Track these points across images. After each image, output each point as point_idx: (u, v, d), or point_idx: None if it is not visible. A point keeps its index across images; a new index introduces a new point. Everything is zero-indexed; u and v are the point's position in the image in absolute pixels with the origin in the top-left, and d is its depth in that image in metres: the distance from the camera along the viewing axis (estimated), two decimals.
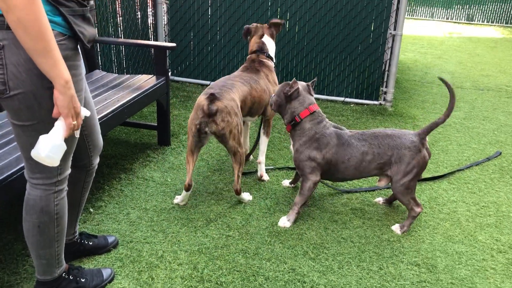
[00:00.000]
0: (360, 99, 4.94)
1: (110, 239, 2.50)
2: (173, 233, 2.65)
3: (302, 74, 4.99)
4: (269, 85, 3.21)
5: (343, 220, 2.84)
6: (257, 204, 2.98)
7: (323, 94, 5.00)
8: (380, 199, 3.05)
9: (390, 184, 2.74)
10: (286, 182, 3.23)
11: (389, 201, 3.01)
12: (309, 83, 2.87)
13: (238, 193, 2.91)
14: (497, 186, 3.36)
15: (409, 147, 2.62)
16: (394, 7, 4.53)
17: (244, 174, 3.35)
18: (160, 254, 2.47)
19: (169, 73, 5.18)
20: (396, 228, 2.75)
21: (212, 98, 2.73)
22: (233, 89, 2.93)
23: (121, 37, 4.49)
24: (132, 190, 3.08)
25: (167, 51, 5.03)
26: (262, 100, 3.13)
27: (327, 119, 2.79)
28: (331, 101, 4.99)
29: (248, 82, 3.06)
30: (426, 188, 3.28)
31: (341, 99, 4.97)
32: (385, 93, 4.83)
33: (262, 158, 3.29)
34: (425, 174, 3.47)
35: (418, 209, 2.70)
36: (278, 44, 4.94)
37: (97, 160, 2.22)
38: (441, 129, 4.41)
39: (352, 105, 4.92)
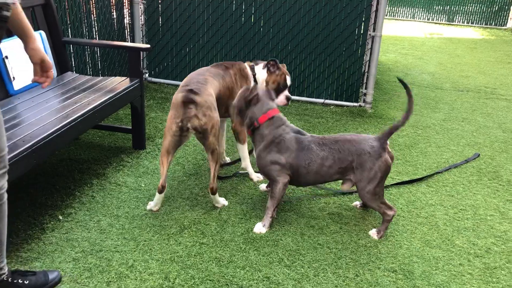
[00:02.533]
0: (339, 100, 4.90)
1: (52, 275, 2.19)
2: (144, 241, 2.57)
3: None
4: (234, 85, 3.11)
5: (319, 225, 2.79)
6: (233, 210, 2.91)
7: (303, 96, 4.96)
8: (357, 203, 3.01)
9: (354, 188, 2.71)
10: (263, 186, 3.17)
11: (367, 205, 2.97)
12: (268, 89, 2.84)
13: (213, 192, 2.84)
14: (474, 189, 3.35)
15: (369, 152, 2.57)
16: (374, 8, 4.50)
17: (220, 178, 3.28)
18: (131, 264, 2.38)
19: (146, 74, 5.09)
20: (373, 233, 2.71)
21: (191, 93, 2.70)
22: (207, 84, 2.85)
23: (95, 38, 4.38)
24: (104, 196, 2.99)
25: (142, 52, 4.95)
26: (225, 95, 3.04)
27: (288, 123, 2.74)
28: (311, 103, 4.95)
29: (216, 76, 3.00)
30: (405, 191, 3.25)
31: (321, 101, 4.93)
32: (365, 94, 4.80)
33: (244, 163, 3.25)
34: (403, 177, 3.45)
35: (391, 212, 2.66)
36: (255, 47, 4.88)
37: (3, 181, 1.89)
38: (420, 130, 4.40)
39: (332, 107, 4.88)
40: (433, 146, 4.07)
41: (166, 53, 5.11)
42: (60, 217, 2.74)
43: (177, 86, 5.13)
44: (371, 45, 4.60)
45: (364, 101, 4.82)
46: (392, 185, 3.31)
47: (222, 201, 2.96)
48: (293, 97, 4.95)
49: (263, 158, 2.70)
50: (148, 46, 3.42)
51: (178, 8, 4.90)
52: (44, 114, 2.78)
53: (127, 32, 4.95)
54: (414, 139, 4.18)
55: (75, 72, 4.05)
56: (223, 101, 3.04)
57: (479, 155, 3.90)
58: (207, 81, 2.88)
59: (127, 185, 3.13)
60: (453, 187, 3.36)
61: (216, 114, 2.77)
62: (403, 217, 2.94)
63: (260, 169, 2.75)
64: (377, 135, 2.66)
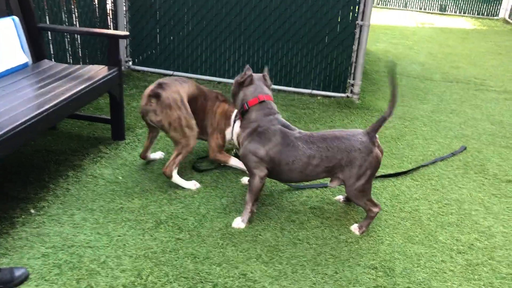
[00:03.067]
0: (327, 91, 4.82)
1: (18, 272, 2.10)
2: (118, 236, 2.49)
3: (268, 65, 4.83)
4: (212, 114, 3.18)
5: (300, 220, 2.72)
6: (212, 204, 2.83)
7: (290, 86, 4.86)
8: (340, 197, 2.94)
9: (343, 185, 2.63)
10: (245, 179, 3.09)
11: (350, 199, 2.90)
12: (264, 73, 2.75)
13: (167, 176, 2.91)
14: (460, 183, 3.29)
15: (359, 148, 2.48)
16: None
17: (200, 171, 3.19)
18: (103, 260, 2.30)
19: (130, 62, 4.97)
20: (354, 228, 2.64)
21: (159, 86, 2.86)
22: (183, 84, 2.92)
23: (75, 25, 4.25)
24: (79, 189, 2.90)
25: (126, 40, 4.83)
26: (200, 113, 3.10)
27: (278, 116, 2.64)
28: (298, 93, 4.86)
29: (202, 91, 3.15)
30: (389, 185, 3.19)
31: (308, 91, 4.84)
32: (352, 85, 4.71)
33: (232, 162, 3.20)
34: (388, 170, 3.38)
35: (375, 209, 2.59)
36: (242, 35, 4.76)
37: None
38: (408, 122, 4.33)
39: (319, 98, 4.79)
40: (420, 138, 4.01)
41: (150, 40, 4.98)
42: (32, 211, 2.64)
43: (161, 74, 5.02)
44: (359, 35, 4.50)
45: (351, 91, 4.74)
46: (376, 177, 3.24)
47: (187, 184, 2.95)
48: (280, 88, 4.87)
49: (244, 146, 2.61)
50: (127, 33, 3.31)
51: None
52: (15, 104, 2.67)
53: (110, 18, 4.81)
54: (401, 131, 4.12)
55: (54, 60, 3.93)
56: (199, 116, 3.10)
57: (465, 148, 3.84)
58: (185, 82, 3.01)
59: (103, 177, 3.04)
60: (438, 180, 3.30)
61: (177, 112, 2.83)
62: (386, 211, 2.87)
63: (241, 157, 2.68)
64: (365, 129, 2.57)
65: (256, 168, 2.57)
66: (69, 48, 4.18)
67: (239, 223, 2.62)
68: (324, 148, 2.50)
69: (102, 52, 4.70)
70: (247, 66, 2.69)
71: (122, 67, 4.98)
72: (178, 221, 2.64)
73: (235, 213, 2.74)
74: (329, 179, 2.64)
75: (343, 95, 4.77)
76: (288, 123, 2.66)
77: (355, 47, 4.60)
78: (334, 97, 4.78)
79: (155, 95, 2.81)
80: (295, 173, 2.55)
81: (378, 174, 3.27)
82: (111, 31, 3.32)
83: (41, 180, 2.94)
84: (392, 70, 2.50)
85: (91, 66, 3.38)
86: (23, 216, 2.59)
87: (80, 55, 4.35)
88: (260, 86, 2.66)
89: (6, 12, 3.16)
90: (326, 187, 3.07)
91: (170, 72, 5.01)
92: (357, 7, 4.45)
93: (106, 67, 3.33)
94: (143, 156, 3.22)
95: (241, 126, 2.68)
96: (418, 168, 3.44)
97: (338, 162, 2.50)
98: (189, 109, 2.91)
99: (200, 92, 3.12)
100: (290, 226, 2.66)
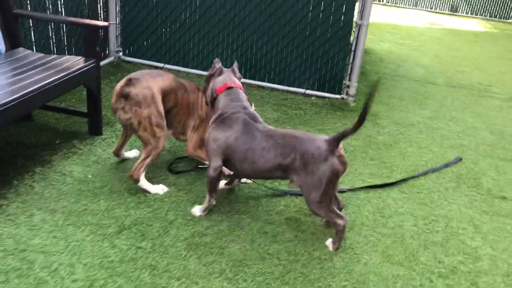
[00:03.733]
0: (321, 92, 4.62)
1: None
2: (76, 241, 2.33)
3: (261, 62, 4.65)
4: (198, 106, 2.98)
5: (274, 232, 2.55)
6: (183, 210, 2.67)
7: (283, 85, 4.68)
8: None
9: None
10: (221, 183, 2.92)
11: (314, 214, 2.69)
12: (233, 66, 2.77)
13: (134, 180, 2.75)
14: (451, 197, 3.10)
15: (313, 154, 2.29)
16: None
17: (177, 172, 3.03)
18: (55, 267, 2.15)
19: (120, 53, 4.80)
20: (329, 243, 2.47)
21: (128, 83, 2.68)
22: (157, 78, 2.73)
23: (61, 14, 4.07)
24: (45, 186, 2.74)
25: (114, 29, 4.66)
26: (184, 108, 2.91)
27: (246, 104, 2.58)
28: (292, 92, 4.67)
29: (181, 83, 2.93)
30: (374, 196, 3.01)
31: (302, 91, 4.65)
32: (348, 87, 4.52)
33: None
34: (376, 180, 3.19)
35: (340, 221, 2.39)
36: (236, 29, 4.58)
37: None
38: (403, 129, 4.13)
39: (313, 98, 4.60)
40: (414, 146, 3.81)
41: (141, 31, 4.81)
42: None
43: (152, 66, 4.85)
44: (357, 34, 4.30)
45: (347, 93, 4.54)
46: (361, 188, 3.06)
47: (154, 189, 2.79)
48: (273, 86, 4.69)
49: (209, 133, 2.54)
50: (106, 23, 3.15)
51: None
52: None
53: (100, 7, 4.63)
54: (395, 138, 3.92)
55: (37, 50, 3.77)
56: (180, 113, 2.91)
57: (461, 159, 3.64)
58: (160, 75, 2.84)
59: (72, 175, 2.89)
60: (427, 194, 3.11)
61: (148, 110, 2.66)
62: (367, 226, 2.69)
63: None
64: (328, 136, 2.38)
65: (212, 156, 2.50)
66: (53, 37, 4.01)
67: (196, 210, 2.59)
68: (280, 145, 2.36)
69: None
70: (216, 59, 2.71)
71: (113, 57, 4.87)
72: (142, 227, 2.48)
73: (205, 221, 2.58)
74: None
75: (338, 96, 4.57)
76: (257, 115, 2.54)
77: (352, 47, 4.39)
78: (328, 98, 4.58)
79: (124, 95, 2.64)
80: (247, 163, 2.42)
81: (363, 184, 3.10)
82: (87, 21, 3.14)
83: (5, 175, 2.80)
84: (372, 89, 2.30)
85: (68, 57, 3.21)
86: None
87: (65, 44, 4.19)
88: (229, 76, 2.68)
89: None
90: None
91: (161, 65, 4.84)
92: (355, 5, 4.24)
93: (83, 59, 3.16)
94: (116, 153, 3.06)
95: (210, 114, 2.66)
96: (407, 179, 3.25)
97: (291, 162, 2.34)
98: (160, 107, 2.72)
99: (178, 85, 2.90)
100: (261, 238, 2.49)
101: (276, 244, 2.46)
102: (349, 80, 4.49)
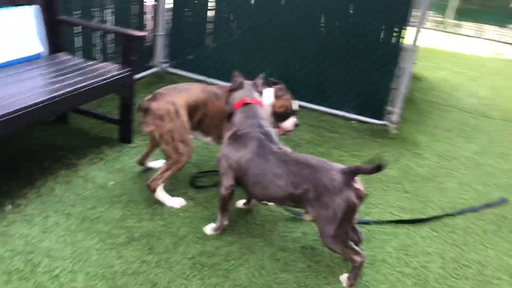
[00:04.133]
0: (362, 116, 4.45)
1: None
2: (84, 247, 2.32)
3: (303, 81, 4.55)
4: None
5: (286, 260, 2.42)
6: (196, 226, 2.60)
7: (323, 106, 4.54)
8: None
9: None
10: (240, 203, 2.83)
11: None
12: (257, 79, 2.69)
13: (151, 190, 2.73)
14: (488, 242, 2.84)
15: (327, 185, 2.13)
16: (410, 17, 4.01)
17: (198, 187, 2.97)
18: (56, 273, 2.14)
19: (167, 64, 4.86)
20: (343, 278, 2.31)
21: (152, 98, 2.72)
22: (182, 92, 2.72)
23: (109, 22, 4.18)
24: (66, 190, 2.77)
25: (162, 40, 4.73)
26: (217, 115, 2.83)
27: (263, 122, 2.46)
28: (331, 114, 4.52)
29: (208, 93, 2.87)
30: (401, 232, 2.81)
31: (342, 113, 4.49)
32: (391, 113, 4.32)
33: None
34: (406, 215, 2.99)
35: (358, 258, 2.22)
36: (276, 48, 4.52)
37: None
38: (446, 162, 3.88)
39: (353, 122, 4.43)
40: (454, 182, 3.55)
41: (187, 43, 4.86)
42: (9, 207, 2.54)
43: (195, 79, 4.87)
44: (403, 59, 4.11)
45: (389, 120, 4.34)
46: (388, 222, 2.87)
47: (171, 202, 2.75)
48: (312, 106, 4.57)
49: (221, 150, 2.48)
50: (144, 33, 3.18)
51: None
52: (20, 90, 2.65)
53: (151, 17, 4.72)
54: (435, 171, 3.68)
55: (83, 55, 3.86)
56: (212, 123, 2.86)
57: (506, 201, 3.35)
58: (185, 90, 2.82)
59: (94, 181, 2.90)
60: (462, 235, 2.86)
61: (170, 124, 2.65)
62: (388, 263, 2.51)
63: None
64: (345, 166, 2.22)
65: (224, 175, 2.43)
66: (98, 44, 4.11)
67: (208, 228, 2.54)
68: (292, 173, 2.22)
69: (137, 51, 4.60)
70: (236, 72, 2.66)
71: (158, 68, 4.94)
72: (152, 240, 2.43)
73: (216, 241, 2.49)
74: None
75: (379, 122, 4.38)
76: (272, 133, 2.43)
77: (398, 72, 4.21)
78: (369, 123, 4.40)
79: (144, 109, 2.69)
80: (258, 188, 2.32)
81: (392, 218, 2.91)
82: (124, 30, 3.18)
83: (30, 175, 2.85)
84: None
85: (105, 63, 3.27)
86: None
87: (110, 52, 4.27)
88: (249, 90, 2.60)
89: (27, 1, 3.11)
90: None
91: (204, 78, 4.86)
92: (405, 29, 4.07)
93: (118, 66, 3.20)
94: (141, 162, 3.06)
95: (226, 130, 2.58)
96: (441, 216, 3.02)
97: (304, 193, 2.20)
98: (185, 122, 2.69)
99: (208, 95, 2.85)
100: (271, 265, 2.37)
101: (286, 273, 2.33)
102: (393, 106, 4.30)
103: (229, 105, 2.62)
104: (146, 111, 2.66)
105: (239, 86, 2.61)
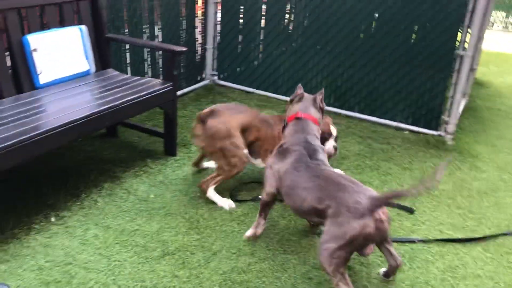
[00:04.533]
0: (416, 126, 4.23)
1: None
2: (118, 261, 2.36)
3: (352, 91, 4.42)
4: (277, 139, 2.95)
5: (319, 279, 2.33)
6: (230, 241, 2.57)
7: (374, 116, 4.38)
8: (382, 270, 2.42)
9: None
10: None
11: (388, 275, 2.38)
12: (317, 94, 2.60)
13: (202, 190, 2.91)
14: None
15: (349, 207, 2.02)
16: (465, 22, 3.78)
17: (237, 201, 2.95)
18: (90, 285, 2.20)
19: (216, 77, 4.92)
20: None
21: (209, 113, 2.86)
22: (238, 114, 2.91)
23: (158, 37, 4.28)
24: (108, 202, 2.85)
25: (210, 53, 4.80)
26: (268, 140, 2.93)
27: (310, 138, 2.44)
28: (382, 124, 4.34)
29: (263, 120, 2.99)
30: (449, 252, 2.62)
31: (394, 124, 4.31)
32: (447, 123, 4.07)
33: None
34: (456, 233, 2.79)
35: None
36: (327, 55, 4.42)
37: None
38: (507, 175, 3.58)
39: (406, 132, 4.23)
40: None
41: (235, 55, 4.89)
42: (53, 219, 2.66)
43: (243, 91, 4.89)
44: (459, 66, 3.87)
45: (445, 130, 4.10)
46: (436, 240, 2.69)
47: (221, 201, 2.87)
48: (362, 116, 4.42)
49: (269, 159, 2.57)
50: (184, 49, 3.23)
51: (251, 8, 4.64)
52: (69, 105, 2.82)
53: (198, 31, 4.80)
54: (494, 185, 3.41)
55: (131, 72, 3.99)
56: (263, 147, 2.97)
57: None
58: (242, 112, 2.95)
59: (136, 193, 2.97)
60: None
61: (221, 143, 2.79)
62: (431, 286, 2.34)
63: None
64: (377, 193, 2.10)
65: (268, 181, 2.47)
66: (146, 60, 4.22)
67: (247, 233, 2.59)
68: (320, 187, 2.17)
69: (184, 66, 4.70)
70: (299, 85, 2.65)
71: (208, 81, 5.01)
72: (185, 255, 2.44)
73: (248, 257, 2.45)
74: None
75: (434, 132, 4.15)
76: (318, 149, 2.40)
77: (453, 80, 3.97)
78: (423, 133, 4.18)
79: (202, 121, 2.83)
80: (288, 198, 2.34)
81: (440, 236, 2.73)
82: (165, 45, 3.27)
83: (76, 188, 2.97)
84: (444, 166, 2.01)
85: (149, 79, 3.36)
86: (42, 223, 2.61)
87: (158, 68, 4.37)
88: (306, 105, 2.57)
89: (74, 22, 3.26)
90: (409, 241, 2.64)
91: (252, 90, 4.86)
92: (458, 34, 3.84)
93: (161, 81, 3.27)
94: (195, 164, 3.25)
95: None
96: (496, 236, 2.79)
97: (324, 209, 2.11)
98: (238, 140, 2.82)
99: (260, 121, 2.97)
100: (303, 284, 2.29)
101: None
102: (448, 116, 4.06)
103: (285, 117, 2.65)
104: (203, 122, 2.81)
105: (299, 99, 2.59)
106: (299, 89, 2.63)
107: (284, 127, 2.60)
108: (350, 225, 2.00)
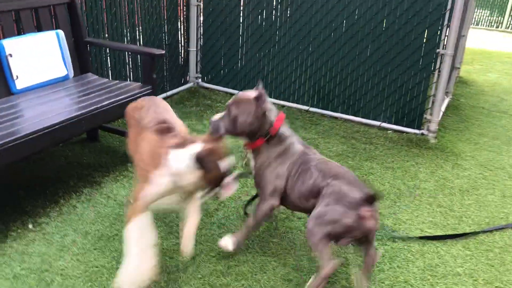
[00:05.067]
0: (399, 125, 4.25)
1: None
2: (96, 267, 2.34)
3: (335, 92, 4.43)
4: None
5: (299, 281, 2.32)
6: (210, 245, 2.55)
7: (358, 116, 4.39)
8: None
9: None
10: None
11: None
12: (260, 90, 2.33)
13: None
14: None
15: (347, 194, 2.12)
16: (445, 21, 3.80)
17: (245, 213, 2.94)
18: None
19: (199, 80, 4.91)
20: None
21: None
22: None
23: (139, 41, 4.27)
24: (87, 207, 2.82)
25: (193, 55, 4.77)
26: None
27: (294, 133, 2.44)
28: (365, 124, 4.35)
29: None
30: (430, 250, 2.62)
31: (377, 123, 4.32)
32: (429, 121, 4.09)
33: None
34: (437, 231, 2.79)
35: (325, 270, 2.05)
36: (309, 56, 4.43)
37: None
38: (489, 172, 3.60)
39: (389, 132, 4.24)
40: (497, 194, 3.29)
41: (219, 57, 4.88)
42: (30, 226, 2.62)
43: (227, 93, 4.88)
44: (440, 65, 3.89)
45: (427, 128, 4.12)
46: (418, 238, 2.70)
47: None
48: (346, 117, 4.43)
49: (268, 168, 2.33)
50: (162, 52, 3.20)
51: (233, 11, 4.63)
52: (47, 110, 2.79)
53: (180, 33, 4.79)
54: (475, 183, 3.43)
55: (111, 76, 3.97)
56: None
57: None
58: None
59: (116, 198, 2.94)
60: (499, 254, 2.63)
61: None
62: (410, 285, 2.34)
63: (258, 179, 2.37)
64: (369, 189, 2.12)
65: (272, 195, 2.33)
66: (128, 64, 4.20)
67: (227, 242, 2.39)
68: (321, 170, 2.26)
69: (167, 69, 4.69)
70: (259, 81, 2.55)
71: (191, 83, 4.99)
72: (164, 259, 2.41)
73: (227, 260, 2.43)
74: None
75: (417, 131, 4.16)
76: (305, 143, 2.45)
77: (434, 79, 3.99)
78: (406, 132, 4.19)
79: None
80: (295, 193, 2.31)
81: (421, 234, 2.73)
82: (144, 49, 3.26)
83: (55, 194, 2.93)
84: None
85: (128, 82, 3.34)
86: (19, 231, 2.57)
87: (138, 73, 4.33)
88: (270, 104, 2.40)
89: (53, 26, 3.23)
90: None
91: (236, 91, 4.85)
92: (438, 33, 3.86)
93: (140, 84, 3.25)
94: None
95: (265, 150, 2.36)
96: (477, 233, 2.80)
97: (325, 187, 2.20)
98: None
99: None
100: (282, 286, 2.28)
101: None
102: (430, 114, 4.07)
103: (269, 125, 2.34)
104: None
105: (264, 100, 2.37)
106: (262, 89, 2.34)
107: (270, 136, 2.34)
108: (342, 214, 2.06)
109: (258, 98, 2.28)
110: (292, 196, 2.30)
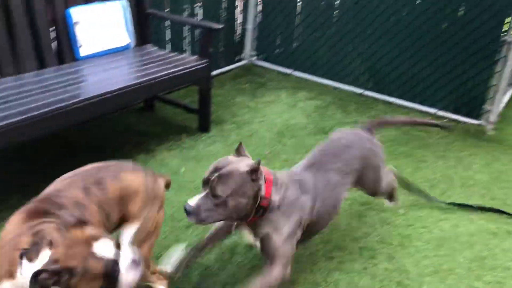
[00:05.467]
0: (457, 114, 4.10)
1: None
2: None
3: (391, 76, 4.32)
4: None
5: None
6: None
7: (414, 102, 4.27)
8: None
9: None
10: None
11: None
12: (240, 145, 2.01)
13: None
14: None
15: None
16: None
17: None
18: None
19: (255, 57, 4.93)
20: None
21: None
22: None
23: (197, 16, 4.32)
24: None
25: (250, 33, 4.79)
26: None
27: (280, 174, 1.99)
28: (421, 111, 4.23)
29: None
30: (479, 241, 2.55)
31: (433, 111, 4.19)
32: (489, 112, 3.93)
33: None
34: (488, 225, 2.71)
35: None
36: (367, 39, 4.34)
37: None
38: None
39: (445, 120, 4.11)
40: None
41: (275, 36, 4.87)
42: None
43: (280, 73, 4.87)
44: (505, 54, 3.71)
45: (486, 119, 3.96)
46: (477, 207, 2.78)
47: None
48: (401, 102, 4.32)
49: (282, 235, 1.91)
50: (221, 26, 3.25)
51: None
52: (108, 77, 2.93)
53: (239, 11, 4.81)
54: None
55: (171, 48, 4.06)
56: None
57: None
58: None
59: (168, 166, 3.05)
60: None
61: None
62: (455, 274, 2.29)
63: (276, 251, 1.90)
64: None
65: (288, 263, 1.94)
66: (186, 38, 4.27)
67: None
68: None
69: (223, 46, 4.73)
70: (258, 159, 1.85)
71: (246, 61, 5.02)
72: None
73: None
74: None
75: (475, 122, 4.01)
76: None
77: (498, 68, 3.81)
78: (464, 122, 4.05)
79: None
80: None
81: (472, 225, 2.67)
82: (203, 22, 3.30)
83: (112, 158, 3.05)
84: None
85: (185, 55, 3.43)
86: None
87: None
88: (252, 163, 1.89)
89: None
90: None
91: (289, 71, 4.84)
92: (506, 20, 3.67)
93: (196, 58, 3.32)
94: None
95: (264, 222, 1.92)
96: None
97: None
98: None
99: None
100: None
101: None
102: (491, 104, 3.91)
103: (260, 200, 1.87)
104: None
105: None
106: (259, 164, 1.83)
107: (264, 209, 1.88)
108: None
109: (252, 172, 1.80)
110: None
